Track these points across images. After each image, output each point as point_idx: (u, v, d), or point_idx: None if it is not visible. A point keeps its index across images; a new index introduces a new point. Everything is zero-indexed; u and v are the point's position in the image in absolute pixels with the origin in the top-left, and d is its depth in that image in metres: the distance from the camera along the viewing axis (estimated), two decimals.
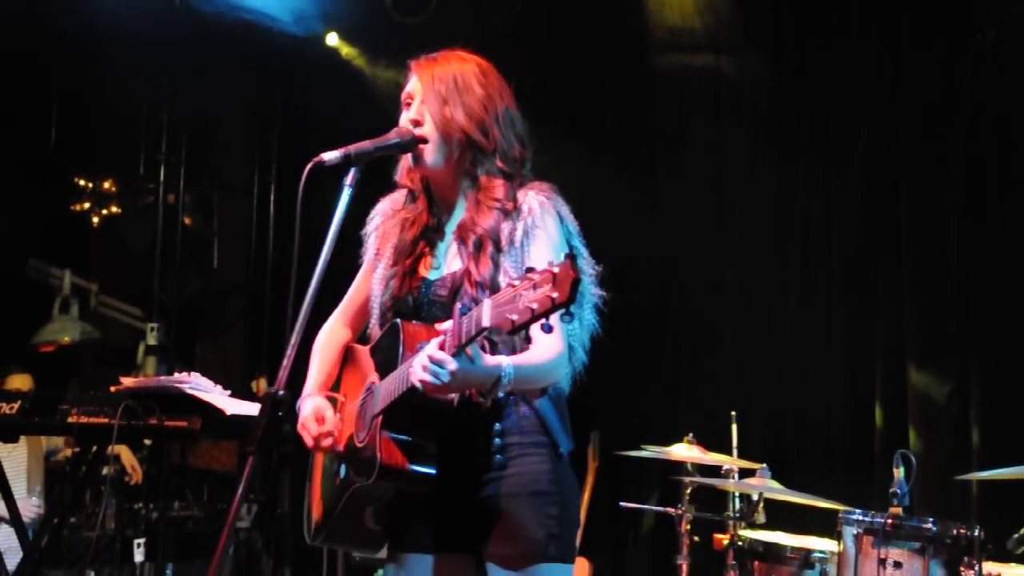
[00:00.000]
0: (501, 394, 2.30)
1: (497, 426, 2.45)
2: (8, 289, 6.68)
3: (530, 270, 1.99)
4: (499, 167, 2.53)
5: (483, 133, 2.53)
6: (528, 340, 2.36)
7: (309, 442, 2.51)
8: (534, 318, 1.96)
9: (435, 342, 2.18)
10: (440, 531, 2.50)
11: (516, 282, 2.01)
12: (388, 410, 2.37)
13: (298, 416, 2.53)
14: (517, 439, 2.46)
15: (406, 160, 2.64)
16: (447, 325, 2.16)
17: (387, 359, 2.45)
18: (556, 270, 1.94)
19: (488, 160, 2.53)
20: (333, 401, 2.61)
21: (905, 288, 5.27)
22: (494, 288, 2.40)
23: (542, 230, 2.46)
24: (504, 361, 2.25)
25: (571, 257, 1.94)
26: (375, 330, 2.61)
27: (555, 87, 6.46)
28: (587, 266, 2.51)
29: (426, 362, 2.17)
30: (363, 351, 2.64)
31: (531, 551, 2.41)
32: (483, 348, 2.21)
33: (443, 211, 2.64)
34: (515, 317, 1.97)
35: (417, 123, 2.56)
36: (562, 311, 1.94)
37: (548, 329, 1.98)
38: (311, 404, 2.55)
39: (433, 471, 2.38)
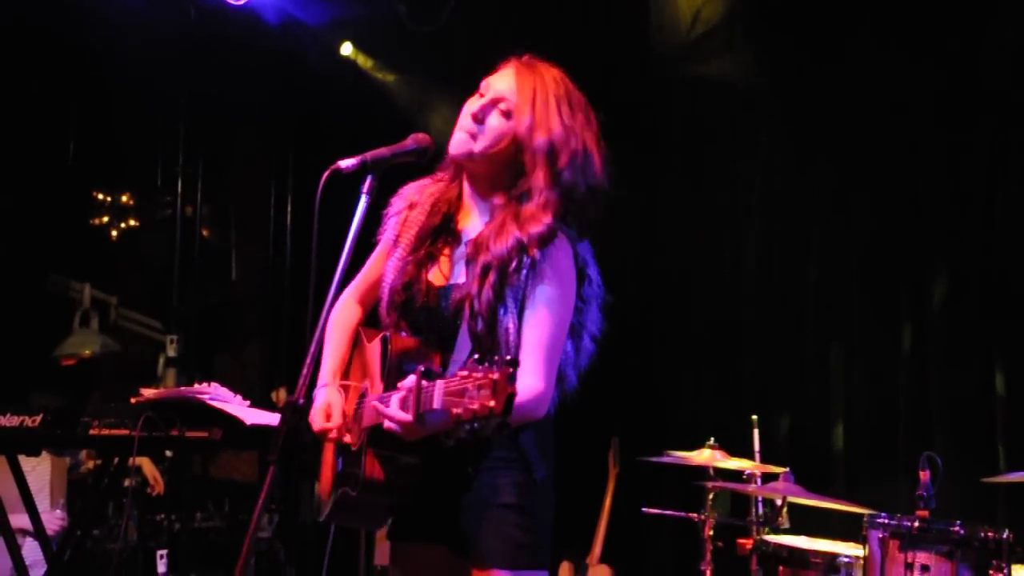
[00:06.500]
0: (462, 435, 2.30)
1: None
2: (28, 303, 6.70)
3: (482, 362, 1.98)
4: (550, 199, 2.48)
5: (552, 161, 2.50)
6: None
7: (316, 430, 2.56)
8: (474, 419, 1.96)
9: (396, 398, 2.23)
10: (415, 524, 2.60)
11: (466, 374, 2.00)
12: (373, 428, 2.42)
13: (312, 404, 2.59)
14: (490, 454, 2.52)
15: None
16: (409, 382, 2.18)
17: (376, 367, 2.52)
18: (496, 376, 1.94)
19: (537, 195, 2.48)
20: (346, 389, 2.64)
21: (928, 289, 5.23)
22: (491, 318, 2.42)
23: (549, 266, 2.44)
24: None
25: (514, 365, 1.95)
26: (383, 314, 2.63)
27: None
28: (595, 296, 2.55)
29: (386, 420, 2.26)
30: (368, 346, 2.66)
31: (496, 560, 2.47)
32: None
33: (469, 212, 2.63)
34: (459, 412, 1.98)
35: (478, 120, 2.53)
36: (497, 422, 1.95)
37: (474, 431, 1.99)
38: (323, 396, 2.59)
39: (415, 482, 2.47)
